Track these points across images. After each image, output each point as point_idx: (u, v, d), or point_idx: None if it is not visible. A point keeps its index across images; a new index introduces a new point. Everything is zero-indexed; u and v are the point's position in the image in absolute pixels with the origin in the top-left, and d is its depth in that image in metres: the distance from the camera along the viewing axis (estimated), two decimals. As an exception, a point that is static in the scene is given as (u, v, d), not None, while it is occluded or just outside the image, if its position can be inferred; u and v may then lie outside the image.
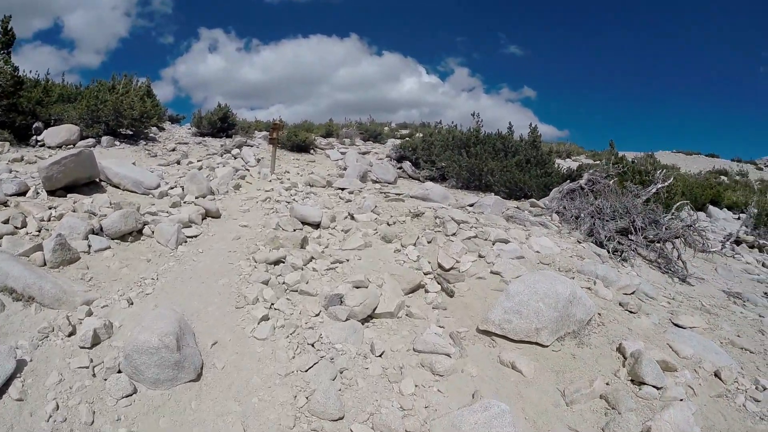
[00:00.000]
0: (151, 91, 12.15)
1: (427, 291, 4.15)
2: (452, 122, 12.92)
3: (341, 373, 2.98)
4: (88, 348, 2.98)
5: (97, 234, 4.24)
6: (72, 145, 8.06)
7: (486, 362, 3.29)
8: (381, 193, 6.93)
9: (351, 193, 6.94)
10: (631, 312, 4.07)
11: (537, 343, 3.41)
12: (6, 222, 4.02)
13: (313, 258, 4.48)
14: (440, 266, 4.39)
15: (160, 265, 4.18)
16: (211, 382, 2.91)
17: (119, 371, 2.82)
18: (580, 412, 2.89)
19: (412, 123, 25.57)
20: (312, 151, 11.97)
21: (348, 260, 4.38)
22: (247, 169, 7.98)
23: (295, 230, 5.06)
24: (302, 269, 4.22)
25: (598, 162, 12.85)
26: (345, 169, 10.11)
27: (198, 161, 8.10)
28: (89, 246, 4.06)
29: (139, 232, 4.57)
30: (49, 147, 7.99)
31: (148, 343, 2.77)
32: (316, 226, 5.21)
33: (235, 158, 9.04)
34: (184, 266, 4.18)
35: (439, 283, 4.23)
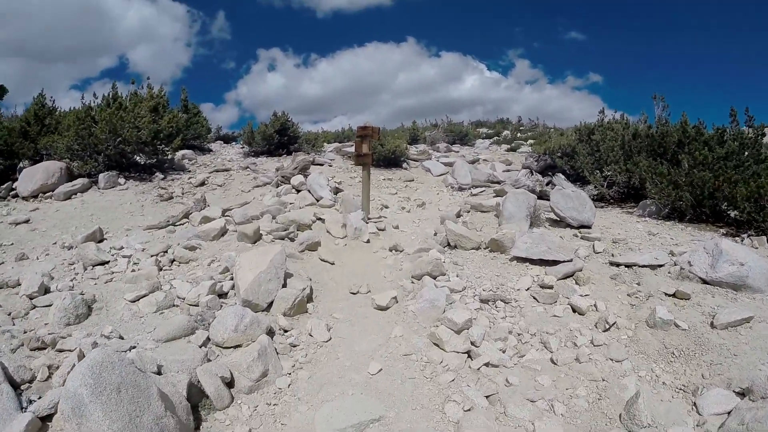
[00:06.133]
0: (189, 105, 9.30)
1: None
2: (615, 111, 8.42)
3: None
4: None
5: None
6: (51, 192, 5.14)
7: None
8: (613, 265, 3.58)
9: (572, 277, 3.41)
10: None
11: None
12: None
13: None
14: None
15: None
16: None
17: None
18: None
19: (487, 120, 21.41)
20: (405, 164, 8.47)
21: None
22: (322, 219, 4.48)
23: None
24: None
25: None
26: (468, 186, 6.57)
27: (224, 214, 4.57)
28: None
29: None
30: (23, 198, 5.14)
31: None
32: None
33: (298, 191, 5.65)
34: None
35: None
